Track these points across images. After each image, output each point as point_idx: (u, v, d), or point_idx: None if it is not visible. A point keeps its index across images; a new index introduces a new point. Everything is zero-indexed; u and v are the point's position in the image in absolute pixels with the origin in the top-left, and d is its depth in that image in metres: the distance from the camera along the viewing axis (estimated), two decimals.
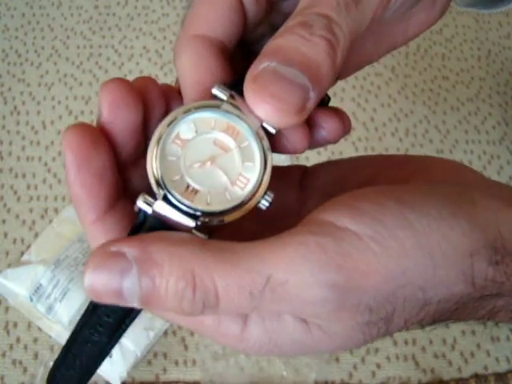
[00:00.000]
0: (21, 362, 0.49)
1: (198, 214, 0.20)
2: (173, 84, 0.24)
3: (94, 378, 0.52)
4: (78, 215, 0.20)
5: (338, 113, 0.23)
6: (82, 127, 0.20)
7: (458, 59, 0.72)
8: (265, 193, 0.20)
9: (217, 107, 0.20)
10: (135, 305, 0.18)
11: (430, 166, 0.23)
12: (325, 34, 0.19)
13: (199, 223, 0.20)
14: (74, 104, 0.66)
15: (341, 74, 0.25)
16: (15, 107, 0.65)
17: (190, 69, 0.21)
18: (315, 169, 0.27)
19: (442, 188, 0.20)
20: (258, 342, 0.19)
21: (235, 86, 0.21)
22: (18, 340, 0.50)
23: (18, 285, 0.51)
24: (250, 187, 0.20)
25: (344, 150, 0.63)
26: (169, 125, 0.20)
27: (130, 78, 0.21)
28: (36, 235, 0.56)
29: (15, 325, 0.51)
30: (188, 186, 0.20)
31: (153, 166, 0.20)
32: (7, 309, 0.51)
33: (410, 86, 0.69)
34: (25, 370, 0.49)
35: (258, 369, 0.49)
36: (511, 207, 0.20)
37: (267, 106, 0.19)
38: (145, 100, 0.21)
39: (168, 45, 0.71)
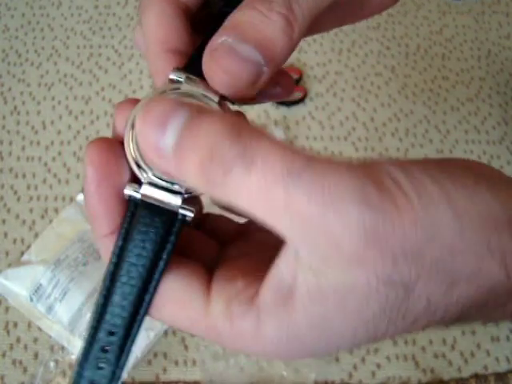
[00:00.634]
0: (21, 362, 0.49)
1: (182, 189, 0.20)
2: None
3: None
4: (92, 226, 0.21)
5: (286, 73, 0.25)
6: (105, 142, 0.20)
7: (457, 59, 0.72)
8: None
9: (177, 89, 0.21)
10: (170, 147, 0.18)
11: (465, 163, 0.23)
12: (283, 11, 0.20)
13: (185, 196, 0.20)
14: (73, 104, 0.66)
15: None
16: (15, 107, 0.65)
17: (156, 26, 0.22)
18: None
19: (468, 168, 0.20)
20: (275, 339, 0.19)
21: (189, 67, 0.21)
22: (18, 340, 0.50)
23: (18, 285, 0.51)
24: None
25: (344, 150, 0.63)
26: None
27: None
28: (36, 235, 0.56)
29: (15, 325, 0.51)
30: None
31: (130, 149, 0.20)
32: (7, 309, 0.51)
33: (409, 85, 0.69)
34: (25, 370, 0.49)
35: (258, 369, 0.49)
36: None
37: (221, 81, 0.20)
38: None
39: None
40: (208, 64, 0.20)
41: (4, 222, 0.57)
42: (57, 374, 0.49)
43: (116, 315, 0.20)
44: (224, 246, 0.24)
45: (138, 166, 0.20)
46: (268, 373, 0.49)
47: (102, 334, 0.20)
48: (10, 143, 0.62)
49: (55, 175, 0.60)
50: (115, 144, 0.20)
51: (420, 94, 0.68)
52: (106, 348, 0.20)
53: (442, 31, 0.74)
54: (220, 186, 0.17)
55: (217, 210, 0.23)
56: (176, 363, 0.50)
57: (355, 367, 0.50)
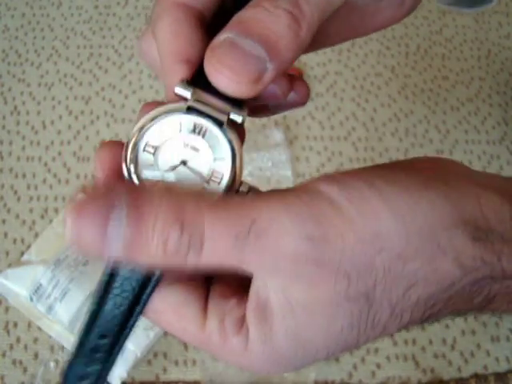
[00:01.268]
0: (21, 362, 0.49)
1: None
2: None
3: None
4: None
5: (301, 79, 0.24)
6: (115, 146, 0.21)
7: (457, 59, 0.72)
8: (241, 182, 0.21)
9: (181, 110, 0.21)
10: (118, 250, 0.17)
11: (419, 165, 0.23)
12: (288, 8, 0.19)
13: None
14: (74, 104, 0.66)
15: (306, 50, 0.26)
16: (15, 107, 0.65)
17: (170, 36, 0.22)
18: None
19: (417, 170, 0.21)
20: (260, 354, 0.19)
21: (197, 79, 0.21)
22: (18, 340, 0.50)
23: (18, 285, 0.51)
24: (225, 181, 0.20)
25: (344, 150, 0.63)
26: (139, 132, 0.21)
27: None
28: (36, 235, 0.56)
29: (15, 325, 0.51)
30: None
31: (128, 153, 0.20)
32: (7, 309, 0.51)
33: (409, 85, 0.69)
34: (25, 370, 0.49)
35: None
36: (495, 191, 0.20)
37: (223, 78, 0.19)
38: None
39: None
40: (209, 60, 0.19)
41: (4, 222, 0.57)
42: (57, 374, 0.49)
43: (107, 321, 0.21)
44: None
45: (129, 172, 0.20)
46: None
47: (93, 336, 0.21)
48: (10, 143, 0.62)
49: (55, 175, 0.60)
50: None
51: (420, 94, 0.68)
52: (97, 348, 0.21)
53: (442, 31, 0.74)
54: (181, 267, 0.18)
55: None
56: (176, 363, 0.50)
57: (355, 367, 0.50)
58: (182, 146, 0.21)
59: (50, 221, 0.56)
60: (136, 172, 0.20)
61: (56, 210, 0.57)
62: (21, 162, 0.61)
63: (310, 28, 0.20)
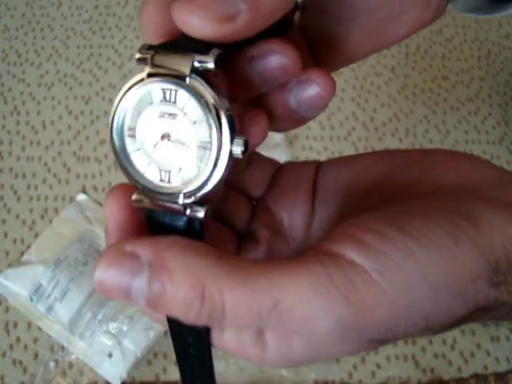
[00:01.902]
0: (21, 362, 0.49)
1: (187, 200, 0.19)
2: None
3: (94, 378, 0.52)
4: None
5: (323, 69, 0.22)
6: (124, 190, 0.21)
7: (457, 59, 0.72)
8: (232, 140, 0.18)
9: (142, 80, 0.19)
10: (141, 304, 0.18)
11: (445, 164, 0.23)
12: None
13: (187, 202, 0.19)
14: (74, 104, 0.66)
15: (329, 67, 0.25)
16: (15, 107, 0.65)
17: (155, 16, 0.20)
18: (327, 166, 0.26)
19: (445, 208, 0.19)
20: (278, 362, 0.20)
21: (163, 43, 0.19)
22: (17, 340, 0.50)
23: (18, 285, 0.51)
24: (214, 144, 0.18)
25: (344, 150, 0.63)
26: (112, 121, 0.19)
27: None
28: (36, 235, 0.56)
29: (15, 325, 0.51)
30: (160, 174, 0.19)
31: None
32: (7, 309, 0.51)
33: (409, 86, 0.69)
34: (25, 370, 0.49)
35: (258, 369, 0.49)
36: None
37: (190, 17, 0.17)
38: None
39: None
40: (175, 3, 0.18)
41: (4, 222, 0.57)
42: (57, 374, 0.49)
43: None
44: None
45: (143, 190, 0.20)
46: (268, 373, 0.49)
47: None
48: (10, 143, 0.62)
49: (55, 175, 0.60)
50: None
51: (420, 94, 0.68)
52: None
53: (442, 31, 0.74)
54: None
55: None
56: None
57: (355, 367, 0.50)
58: (157, 118, 0.19)
59: (50, 221, 0.56)
60: (130, 180, 0.20)
61: (56, 210, 0.57)
62: (21, 161, 0.61)
63: None
